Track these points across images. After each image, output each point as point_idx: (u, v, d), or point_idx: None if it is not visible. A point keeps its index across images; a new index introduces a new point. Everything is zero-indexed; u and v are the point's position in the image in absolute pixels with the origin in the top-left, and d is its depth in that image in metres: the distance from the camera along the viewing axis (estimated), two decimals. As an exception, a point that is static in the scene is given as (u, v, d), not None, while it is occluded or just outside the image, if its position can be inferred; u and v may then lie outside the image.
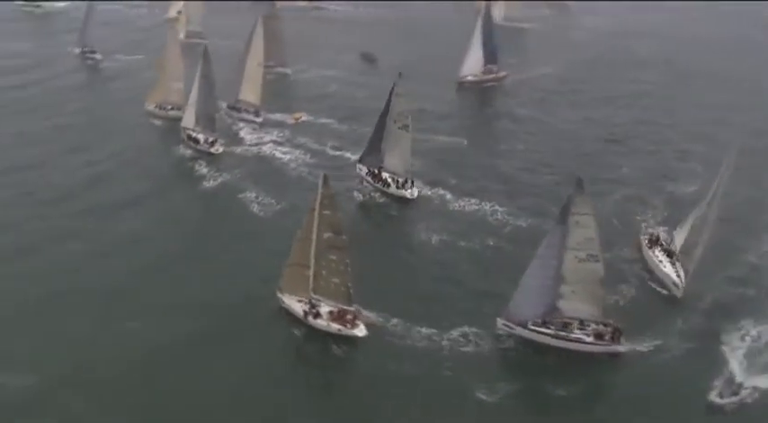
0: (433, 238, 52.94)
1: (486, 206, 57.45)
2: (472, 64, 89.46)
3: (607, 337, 41.22)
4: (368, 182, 61.57)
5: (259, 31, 74.62)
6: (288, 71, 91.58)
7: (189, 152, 68.36)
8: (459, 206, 57.81)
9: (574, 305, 41.33)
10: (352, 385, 39.55)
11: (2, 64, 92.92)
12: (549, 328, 41.56)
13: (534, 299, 41.03)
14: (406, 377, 38.72)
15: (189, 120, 69.65)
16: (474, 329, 42.15)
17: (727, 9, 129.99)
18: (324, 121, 75.65)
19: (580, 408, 37.98)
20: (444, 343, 41.26)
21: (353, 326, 41.46)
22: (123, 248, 50.48)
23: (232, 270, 47.96)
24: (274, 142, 70.36)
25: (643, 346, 41.39)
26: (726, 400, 37.72)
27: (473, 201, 58.18)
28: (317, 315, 42.48)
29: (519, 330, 41.81)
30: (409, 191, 59.15)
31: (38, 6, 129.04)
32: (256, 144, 70.23)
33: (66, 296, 44.57)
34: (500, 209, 56.85)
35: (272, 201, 57.77)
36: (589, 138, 73.89)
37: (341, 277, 41.86)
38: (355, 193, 60.45)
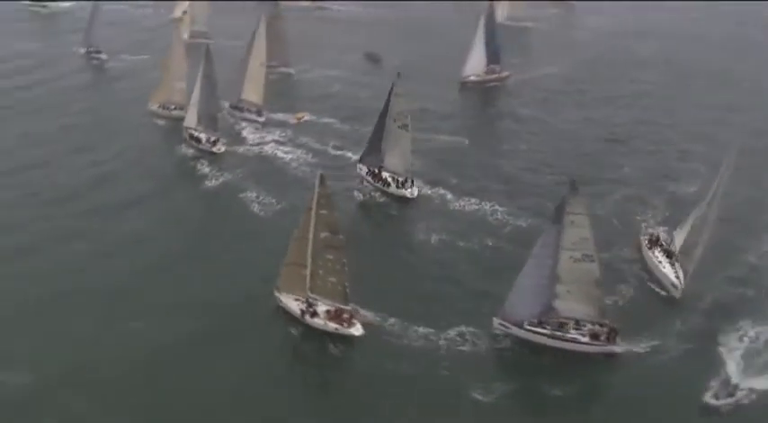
0: (432, 237, 53.21)
1: (487, 206, 57.64)
2: (475, 64, 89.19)
3: (603, 338, 41.33)
4: (368, 181, 61.85)
5: (261, 30, 74.93)
6: (291, 71, 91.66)
7: (191, 151, 68.84)
8: (460, 206, 58.02)
9: (569, 305, 41.47)
10: (349, 384, 39.87)
11: (8, 65, 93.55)
12: (545, 327, 41.75)
13: (530, 298, 41.19)
14: (403, 376, 38.97)
15: (191, 119, 70.13)
16: (471, 329, 42.38)
17: (727, 9, 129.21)
18: (326, 120, 75.90)
19: (576, 408, 38.16)
20: (441, 342, 41.50)
21: (350, 325, 41.80)
22: (127, 248, 51.06)
23: (233, 269, 48.45)
24: (276, 142, 70.68)
25: (640, 347, 41.49)
26: (721, 402, 37.75)
27: (473, 200, 58.36)
28: (314, 314, 42.84)
29: (515, 330, 42.00)
30: (409, 190, 59.40)
31: (44, 6, 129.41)
32: (258, 144, 70.59)
33: (70, 296, 45.10)
34: (500, 209, 57.03)
35: (273, 200, 58.20)
36: (590, 138, 73.97)
37: (338, 276, 42.19)
38: (355, 193, 60.78)
